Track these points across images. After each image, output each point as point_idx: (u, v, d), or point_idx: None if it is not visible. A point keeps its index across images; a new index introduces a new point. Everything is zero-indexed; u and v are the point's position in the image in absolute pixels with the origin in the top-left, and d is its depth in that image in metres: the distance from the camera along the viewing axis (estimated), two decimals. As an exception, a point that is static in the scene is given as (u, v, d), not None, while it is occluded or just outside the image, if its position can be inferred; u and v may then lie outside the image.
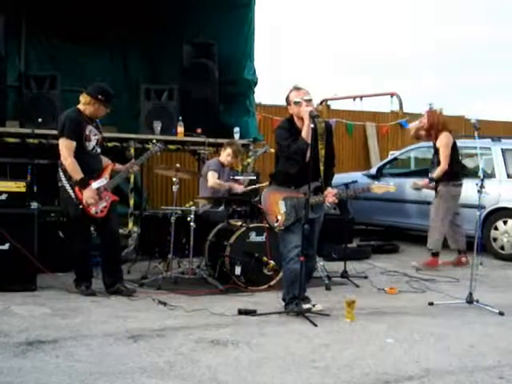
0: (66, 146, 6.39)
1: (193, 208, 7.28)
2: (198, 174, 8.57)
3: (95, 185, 6.44)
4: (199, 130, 9.45)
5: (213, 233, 7.33)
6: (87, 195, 6.37)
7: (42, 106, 8.76)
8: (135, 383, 4.18)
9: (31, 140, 8.55)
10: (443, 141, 8.58)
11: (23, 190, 6.79)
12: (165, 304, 6.15)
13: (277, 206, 6.00)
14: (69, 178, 6.40)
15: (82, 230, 6.54)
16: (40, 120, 8.64)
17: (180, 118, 9.39)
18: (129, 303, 6.26)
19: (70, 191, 6.40)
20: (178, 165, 7.61)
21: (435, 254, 8.70)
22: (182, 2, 10.08)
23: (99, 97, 6.51)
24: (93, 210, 6.42)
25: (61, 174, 6.46)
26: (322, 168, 5.95)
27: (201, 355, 4.74)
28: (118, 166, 6.84)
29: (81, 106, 6.55)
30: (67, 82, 9.28)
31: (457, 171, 8.70)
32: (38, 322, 5.49)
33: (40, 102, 8.80)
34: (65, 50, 10.35)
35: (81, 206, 6.38)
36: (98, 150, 6.62)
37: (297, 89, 6.02)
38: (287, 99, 6.06)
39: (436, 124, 8.69)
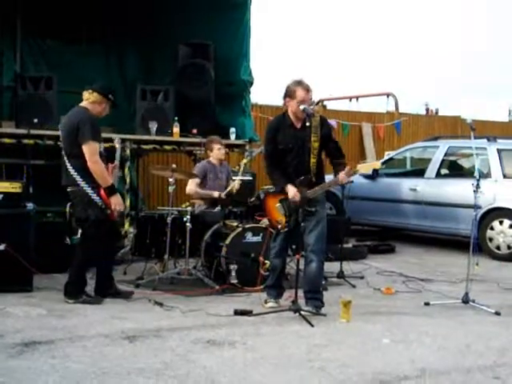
0: (94, 150, 5.97)
1: (189, 208, 7.28)
2: (193, 174, 8.56)
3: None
4: (195, 131, 9.46)
5: (209, 233, 7.32)
6: (118, 201, 6.12)
7: (38, 107, 8.76)
8: (131, 384, 4.18)
9: (27, 141, 8.55)
10: None
11: (19, 190, 6.75)
12: (161, 305, 6.14)
13: (275, 210, 6.04)
14: (90, 181, 6.01)
15: (105, 234, 6.20)
16: (36, 120, 8.63)
17: (176, 118, 9.39)
18: (125, 304, 6.24)
19: (93, 195, 6.03)
20: (173, 165, 7.60)
21: None
22: (177, 2, 10.07)
23: (110, 96, 6.18)
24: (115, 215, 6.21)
25: (77, 177, 6.03)
26: (313, 161, 5.85)
27: (197, 356, 4.73)
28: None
29: (88, 105, 6.14)
30: (63, 83, 9.26)
31: None
32: (33, 322, 5.48)
33: (36, 103, 8.79)
34: (61, 50, 10.36)
35: (109, 211, 6.08)
36: (103, 152, 6.30)
37: (306, 89, 5.81)
38: (289, 92, 5.86)
39: None
